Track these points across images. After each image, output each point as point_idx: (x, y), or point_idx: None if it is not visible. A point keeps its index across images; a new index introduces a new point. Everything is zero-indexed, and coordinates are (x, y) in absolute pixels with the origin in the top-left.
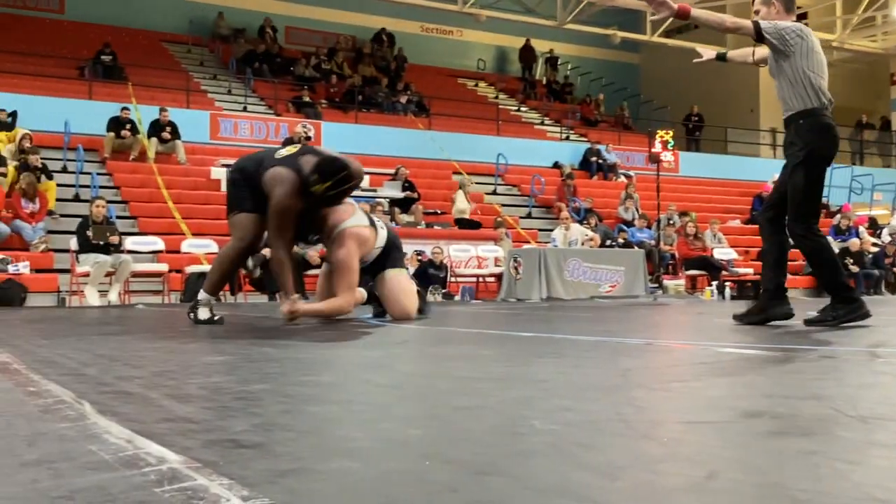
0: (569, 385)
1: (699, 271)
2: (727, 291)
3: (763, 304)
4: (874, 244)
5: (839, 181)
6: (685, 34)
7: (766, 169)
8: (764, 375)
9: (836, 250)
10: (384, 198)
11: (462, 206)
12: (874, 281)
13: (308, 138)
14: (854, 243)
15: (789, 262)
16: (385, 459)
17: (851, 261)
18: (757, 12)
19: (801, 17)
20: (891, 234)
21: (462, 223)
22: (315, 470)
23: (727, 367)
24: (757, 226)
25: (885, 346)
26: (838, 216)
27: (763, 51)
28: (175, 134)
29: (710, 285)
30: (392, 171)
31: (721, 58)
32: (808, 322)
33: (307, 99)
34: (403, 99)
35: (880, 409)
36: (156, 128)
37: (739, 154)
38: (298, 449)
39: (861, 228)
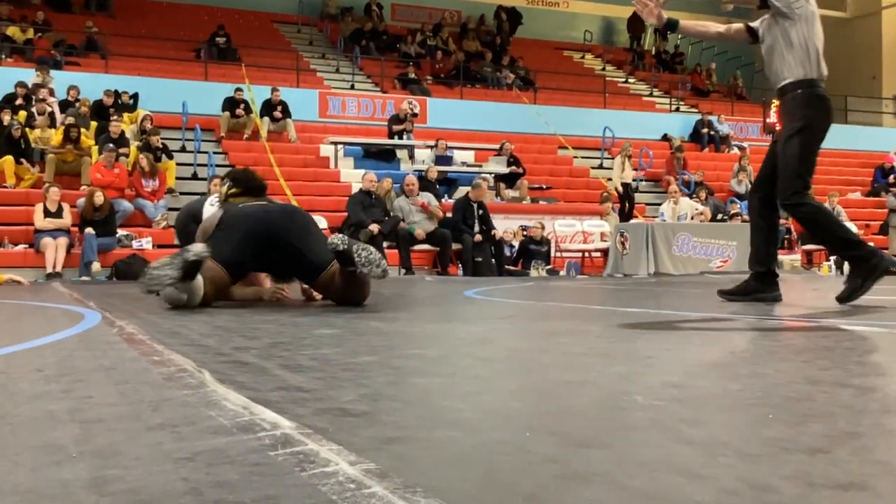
0: (674, 361)
1: (817, 246)
2: (846, 266)
3: (753, 287)
4: None
5: None
6: None
7: (888, 139)
8: (887, 352)
9: None
10: (489, 173)
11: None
12: None
13: (415, 115)
14: None
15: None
16: (487, 430)
17: None
18: None
19: None
20: None
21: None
22: (419, 438)
23: (845, 345)
24: (875, 197)
25: None
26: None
27: (737, 26)
28: (286, 113)
29: (828, 260)
30: (497, 146)
31: (671, 26)
32: (840, 299)
33: (413, 76)
34: (509, 73)
35: None
36: (268, 107)
37: (860, 123)
38: (404, 418)
39: None
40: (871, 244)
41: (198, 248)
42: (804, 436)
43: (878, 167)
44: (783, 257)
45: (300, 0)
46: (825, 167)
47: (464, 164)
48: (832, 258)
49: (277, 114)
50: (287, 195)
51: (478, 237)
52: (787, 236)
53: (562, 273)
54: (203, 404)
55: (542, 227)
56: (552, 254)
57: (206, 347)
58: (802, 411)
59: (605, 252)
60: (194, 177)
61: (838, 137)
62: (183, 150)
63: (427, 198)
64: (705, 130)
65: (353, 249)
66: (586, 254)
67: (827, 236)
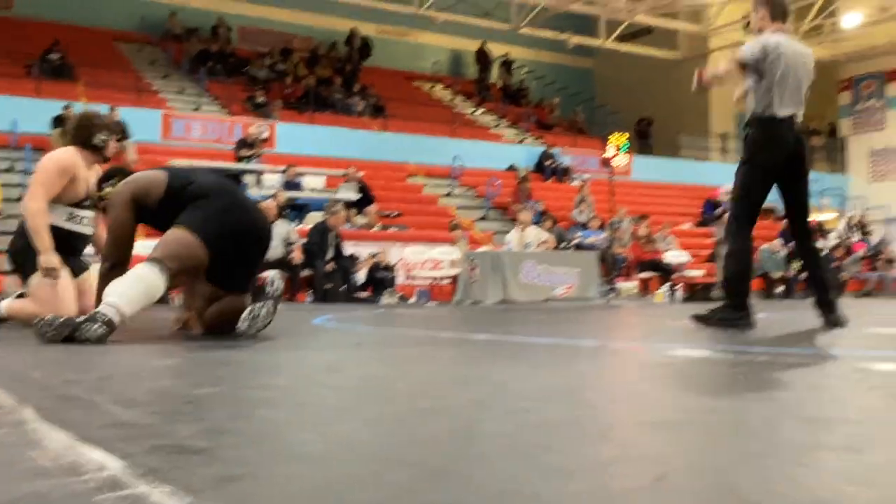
0: (525, 387)
1: (651, 273)
2: (678, 293)
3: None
4: (821, 248)
5: None
6: (638, 40)
7: (716, 173)
8: (714, 377)
9: (783, 253)
10: (340, 199)
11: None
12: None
13: (263, 139)
14: (791, 247)
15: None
16: (338, 463)
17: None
18: (751, 16)
19: (749, 26)
20: (838, 238)
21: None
22: (263, 475)
23: (679, 370)
24: (708, 228)
25: (833, 347)
26: (786, 220)
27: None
28: (125, 133)
29: (662, 287)
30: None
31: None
32: (693, 318)
33: (262, 100)
34: (359, 101)
35: (827, 412)
36: None
37: (691, 158)
38: (246, 454)
39: None
40: (750, 305)
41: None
42: (647, 459)
43: (707, 200)
44: (620, 284)
45: (142, 18)
46: (659, 199)
47: (314, 189)
48: (666, 285)
49: None
50: None
51: (329, 266)
52: (623, 265)
53: (412, 300)
54: (23, 444)
55: (385, 254)
56: (401, 281)
57: (30, 381)
58: (651, 432)
59: (454, 279)
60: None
61: (670, 171)
62: (11, 169)
63: (285, 227)
64: (549, 162)
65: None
66: (436, 281)
67: (728, 275)
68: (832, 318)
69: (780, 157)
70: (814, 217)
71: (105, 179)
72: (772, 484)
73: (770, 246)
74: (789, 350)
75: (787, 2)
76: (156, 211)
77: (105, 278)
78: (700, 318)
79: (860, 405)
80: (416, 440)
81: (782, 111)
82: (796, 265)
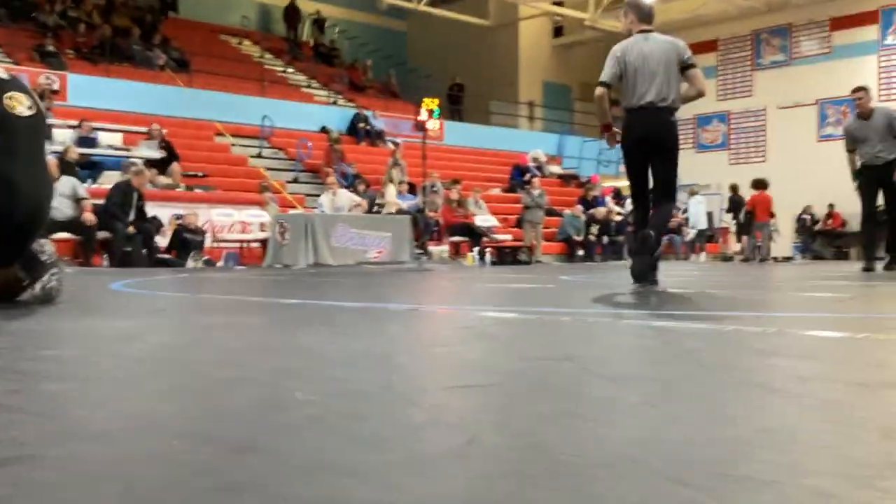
0: (335, 354)
1: (462, 237)
2: (488, 257)
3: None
4: (618, 213)
5: (588, 154)
6: (451, 4)
7: (524, 140)
8: (522, 338)
9: (583, 218)
10: (139, 158)
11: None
12: (618, 247)
13: (53, 91)
14: (599, 212)
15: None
16: (130, 441)
17: (598, 228)
18: (621, 20)
19: None
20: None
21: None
22: (45, 456)
23: (488, 331)
24: (516, 194)
25: (629, 308)
26: (587, 186)
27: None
28: None
29: (472, 251)
30: (147, 129)
31: None
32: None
33: (51, 48)
34: (161, 54)
35: (628, 369)
36: None
37: (500, 125)
38: (25, 433)
39: (607, 198)
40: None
41: None
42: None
43: (516, 166)
44: (432, 248)
45: None
46: (469, 164)
47: (110, 146)
48: (476, 249)
49: None
50: None
51: (131, 228)
52: (435, 228)
53: (219, 264)
54: None
55: (196, 216)
56: (208, 244)
57: None
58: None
59: (264, 243)
60: None
61: (481, 137)
62: None
63: (70, 183)
64: (362, 125)
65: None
66: (245, 244)
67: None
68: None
69: (638, 138)
70: (613, 184)
71: None
72: (579, 442)
73: (572, 211)
74: (590, 310)
75: (650, 5)
76: None
77: None
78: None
79: (655, 362)
80: (218, 413)
81: (638, 102)
82: (594, 230)
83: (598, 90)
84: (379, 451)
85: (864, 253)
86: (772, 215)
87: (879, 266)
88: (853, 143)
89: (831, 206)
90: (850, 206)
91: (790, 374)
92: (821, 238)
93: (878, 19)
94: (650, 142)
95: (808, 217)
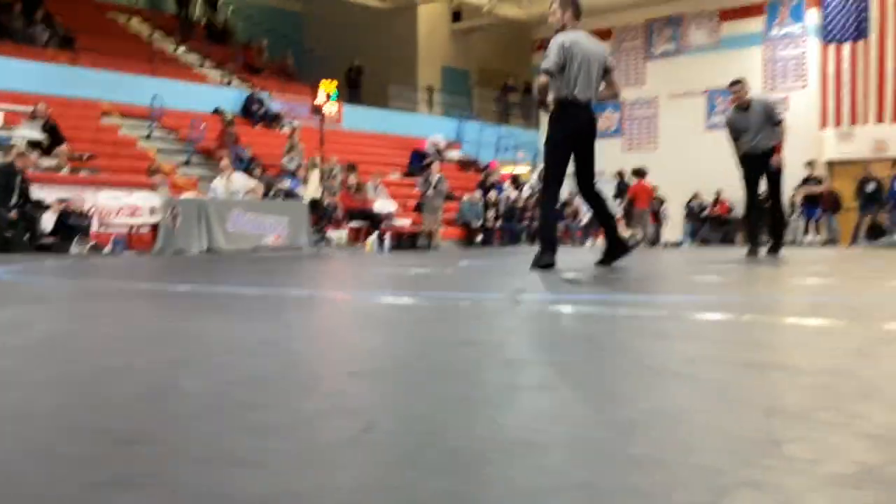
0: (229, 341)
1: (361, 223)
2: (387, 242)
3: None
4: (515, 199)
5: (487, 140)
6: None
7: (424, 125)
8: (420, 324)
9: (481, 204)
10: (21, 138)
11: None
12: (517, 232)
13: None
14: (489, 199)
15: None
16: (9, 433)
17: (495, 212)
18: (553, 13)
19: None
20: (531, 190)
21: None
22: None
23: (386, 317)
24: (411, 178)
25: (525, 293)
26: (485, 171)
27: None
28: None
29: (371, 236)
30: (30, 108)
31: None
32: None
33: None
34: (43, 30)
35: (524, 354)
36: None
37: (399, 109)
38: None
39: (506, 184)
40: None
41: None
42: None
43: (415, 151)
44: (331, 233)
45: None
46: (368, 148)
47: None
48: (375, 234)
49: None
50: None
51: (14, 213)
52: (333, 213)
53: (106, 249)
54: None
55: (83, 200)
56: (94, 229)
57: None
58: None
59: (154, 227)
60: None
61: (380, 121)
62: None
63: None
64: (257, 107)
65: None
66: (134, 229)
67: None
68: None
69: (574, 131)
70: (511, 170)
71: None
72: (473, 427)
73: (470, 197)
74: (489, 295)
75: (582, 3)
76: None
77: None
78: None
79: (550, 347)
80: (104, 404)
81: (580, 96)
82: (491, 214)
83: (543, 78)
84: (273, 440)
85: (749, 238)
86: (661, 202)
87: (763, 251)
88: (736, 133)
89: (718, 193)
90: (736, 194)
91: (680, 356)
92: (708, 224)
93: (765, 11)
94: (584, 135)
95: (696, 203)
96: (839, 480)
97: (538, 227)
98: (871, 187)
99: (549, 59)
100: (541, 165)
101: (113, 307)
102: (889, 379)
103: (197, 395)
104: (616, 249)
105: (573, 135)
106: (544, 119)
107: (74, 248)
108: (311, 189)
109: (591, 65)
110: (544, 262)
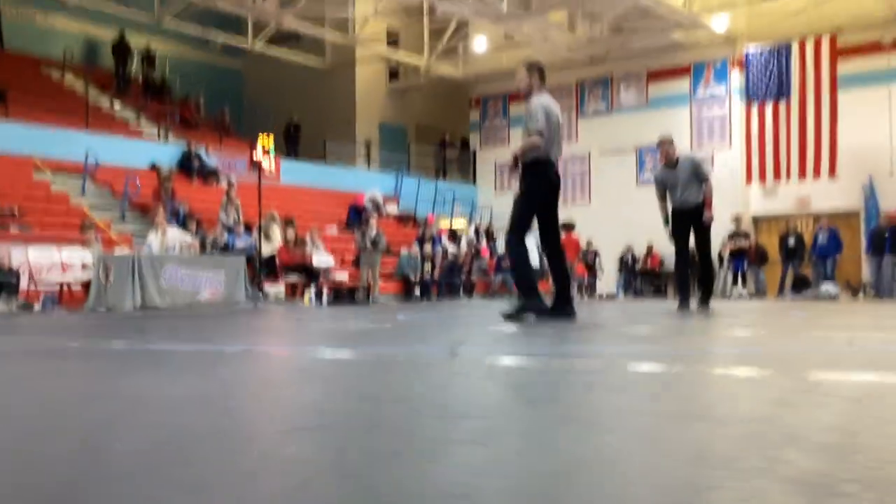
0: (162, 399)
1: (299, 277)
2: (325, 297)
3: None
4: (453, 253)
5: (425, 194)
6: (287, 45)
7: (361, 180)
8: (357, 379)
9: (419, 257)
10: None
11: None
12: (455, 286)
13: None
14: (427, 253)
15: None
16: None
17: (430, 266)
18: (520, 79)
19: (392, 42)
20: (468, 244)
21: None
22: None
23: (323, 372)
24: (353, 232)
25: (463, 346)
26: (423, 225)
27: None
28: None
29: (309, 290)
30: None
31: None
32: (504, 316)
33: None
34: None
35: (458, 408)
36: None
37: (337, 164)
38: None
39: (444, 238)
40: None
41: None
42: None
43: (353, 206)
44: (268, 288)
45: None
46: (306, 203)
47: None
48: (312, 288)
49: None
50: None
51: None
52: (270, 268)
53: (37, 307)
54: None
55: (10, 256)
56: (24, 286)
57: None
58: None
59: (86, 285)
60: None
61: (317, 176)
62: None
63: None
64: (194, 162)
65: None
66: (65, 286)
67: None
68: (569, 310)
69: (550, 189)
70: (448, 224)
71: None
72: (408, 482)
73: (408, 251)
74: (425, 349)
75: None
76: None
77: None
78: (510, 316)
79: (485, 400)
80: (32, 465)
81: (552, 156)
82: (427, 267)
83: (537, 139)
84: (207, 498)
85: (679, 292)
86: (595, 254)
87: (693, 303)
88: (663, 188)
89: (650, 246)
90: (667, 247)
91: (611, 407)
92: (641, 277)
93: (690, 73)
94: (554, 193)
95: (628, 256)
96: None
97: (517, 278)
98: (792, 242)
99: (539, 121)
100: (477, 220)
101: (43, 367)
102: (810, 426)
103: (131, 452)
104: (564, 308)
105: (552, 191)
106: (482, 174)
107: (2, 306)
108: (274, 243)
109: (560, 127)
110: (538, 309)
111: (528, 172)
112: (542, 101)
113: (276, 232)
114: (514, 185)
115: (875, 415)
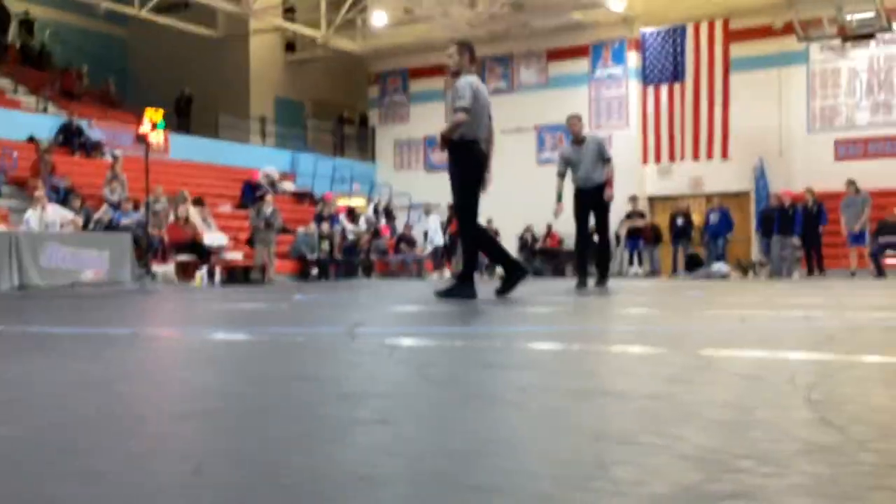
0: (46, 384)
1: (190, 256)
2: (217, 277)
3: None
4: (352, 231)
5: (322, 171)
6: (175, 13)
7: (256, 156)
8: (253, 360)
9: (317, 236)
10: None
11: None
12: (352, 265)
13: None
14: (325, 231)
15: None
16: None
17: (328, 245)
18: (450, 56)
19: (289, 10)
20: (367, 223)
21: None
22: None
23: (216, 354)
24: (244, 210)
25: (363, 326)
26: (321, 204)
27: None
28: None
29: (201, 270)
30: None
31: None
32: (437, 294)
33: None
34: None
35: (361, 387)
36: None
37: (230, 139)
38: None
39: (342, 216)
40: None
41: None
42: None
43: (247, 182)
44: (156, 268)
45: None
46: (198, 179)
47: None
48: (204, 268)
49: None
50: None
51: None
52: (159, 247)
53: None
54: None
55: None
56: None
57: None
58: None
59: None
60: None
61: (210, 151)
62: None
63: None
64: (76, 135)
65: None
66: None
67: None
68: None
69: (481, 166)
70: (347, 202)
71: None
72: (309, 464)
73: (305, 229)
74: (324, 329)
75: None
76: None
77: None
78: (442, 293)
79: (386, 380)
80: None
81: (481, 136)
82: (325, 246)
83: (463, 116)
84: (95, 485)
85: (578, 271)
86: (495, 233)
87: (591, 282)
88: (566, 166)
89: (549, 225)
90: (567, 227)
91: (512, 385)
92: (540, 256)
93: (589, 53)
94: (483, 171)
95: (528, 236)
96: (661, 500)
97: (493, 258)
98: (680, 221)
99: (466, 98)
100: (376, 198)
101: None
102: (705, 403)
103: (16, 439)
104: (514, 275)
105: (481, 168)
106: (381, 151)
107: None
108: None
109: (488, 108)
110: (469, 294)
111: (455, 152)
112: (471, 80)
113: (193, 214)
114: (416, 164)
115: (767, 391)
